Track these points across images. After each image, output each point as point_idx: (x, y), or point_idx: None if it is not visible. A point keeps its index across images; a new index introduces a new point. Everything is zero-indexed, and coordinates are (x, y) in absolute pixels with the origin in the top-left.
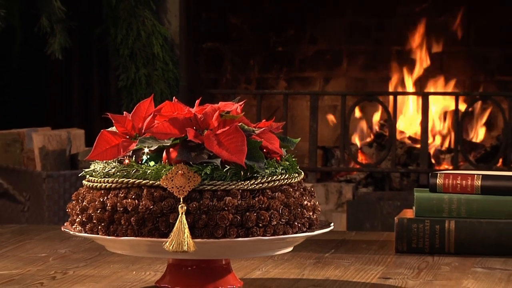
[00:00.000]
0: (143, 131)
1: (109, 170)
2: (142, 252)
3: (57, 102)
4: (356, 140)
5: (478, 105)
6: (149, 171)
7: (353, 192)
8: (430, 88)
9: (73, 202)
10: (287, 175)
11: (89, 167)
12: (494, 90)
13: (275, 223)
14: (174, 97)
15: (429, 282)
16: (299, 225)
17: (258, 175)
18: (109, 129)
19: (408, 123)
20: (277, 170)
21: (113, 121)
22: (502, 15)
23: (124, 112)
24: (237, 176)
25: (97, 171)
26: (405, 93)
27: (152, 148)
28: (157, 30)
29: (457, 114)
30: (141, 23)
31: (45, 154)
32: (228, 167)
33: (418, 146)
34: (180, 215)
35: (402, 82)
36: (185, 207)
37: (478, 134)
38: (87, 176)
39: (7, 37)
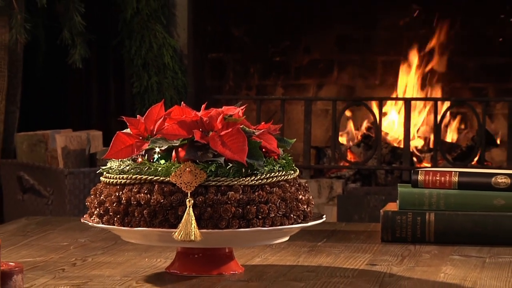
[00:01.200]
0: (154, 132)
1: (124, 167)
2: (154, 241)
3: (78, 106)
4: (345, 140)
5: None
6: (160, 169)
7: (343, 187)
8: (412, 94)
9: (92, 196)
10: (284, 172)
11: (106, 165)
12: (469, 96)
13: (273, 215)
14: (182, 102)
15: (412, 268)
16: (295, 217)
17: (257, 172)
18: (124, 130)
19: (393, 126)
20: (275, 168)
21: (128, 124)
22: (476, 29)
23: (138, 116)
24: (239, 173)
25: (113, 168)
26: (389, 99)
27: (163, 148)
28: (167, 42)
29: (436, 117)
30: (153, 36)
31: (67, 153)
32: (231, 165)
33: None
34: (187, 208)
35: (387, 89)
36: (192, 201)
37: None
38: (104, 173)
39: (32, 48)
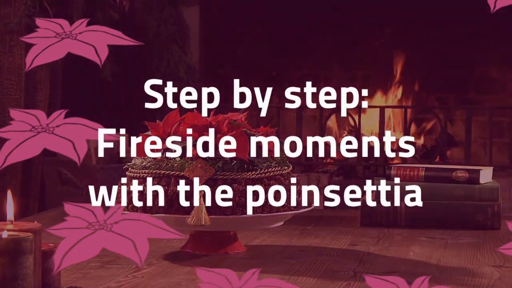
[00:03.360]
0: (171, 134)
1: (146, 164)
2: (171, 225)
3: (108, 113)
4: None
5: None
6: (175, 165)
7: (328, 180)
8: (386, 102)
9: (119, 187)
10: (280, 168)
11: (131, 162)
12: (434, 104)
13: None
14: (194, 109)
15: (386, 248)
16: (288, 205)
17: (257, 168)
18: (146, 133)
19: (371, 129)
20: (272, 164)
21: (149, 127)
22: (440, 48)
23: (157, 121)
24: (242, 168)
25: (137, 164)
26: (367, 107)
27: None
28: (182, 60)
29: (406, 122)
30: (171, 54)
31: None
32: (235, 161)
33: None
34: (199, 197)
35: (365, 98)
36: (203, 192)
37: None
38: (130, 168)
39: (70, 65)
